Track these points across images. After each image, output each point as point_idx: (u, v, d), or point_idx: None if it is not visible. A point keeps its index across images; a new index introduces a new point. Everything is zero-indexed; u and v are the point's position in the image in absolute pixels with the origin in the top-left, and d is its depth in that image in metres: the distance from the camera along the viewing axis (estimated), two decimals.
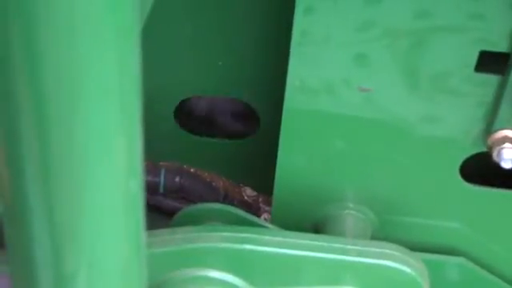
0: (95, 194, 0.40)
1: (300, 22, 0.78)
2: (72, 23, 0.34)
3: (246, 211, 0.90)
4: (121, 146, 0.40)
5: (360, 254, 0.78)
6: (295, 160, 0.88)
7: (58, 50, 0.34)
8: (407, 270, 0.78)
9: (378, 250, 0.79)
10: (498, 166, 0.81)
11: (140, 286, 0.47)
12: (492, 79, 0.79)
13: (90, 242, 0.42)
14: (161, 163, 1.05)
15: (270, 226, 0.88)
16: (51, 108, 0.36)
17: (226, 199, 1.07)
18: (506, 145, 0.80)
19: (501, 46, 0.77)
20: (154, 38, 0.95)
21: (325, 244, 0.79)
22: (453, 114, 0.83)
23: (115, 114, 0.38)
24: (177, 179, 1.04)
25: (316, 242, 0.79)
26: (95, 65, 0.36)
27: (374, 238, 0.92)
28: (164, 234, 0.78)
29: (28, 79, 0.35)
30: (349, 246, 0.79)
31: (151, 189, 1.05)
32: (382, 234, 0.92)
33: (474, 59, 0.78)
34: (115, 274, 0.45)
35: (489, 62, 0.78)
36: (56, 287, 0.43)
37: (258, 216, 1.06)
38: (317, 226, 0.93)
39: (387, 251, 0.79)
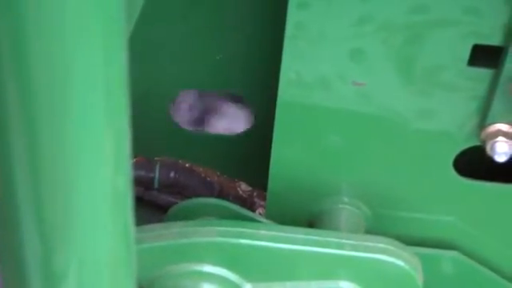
0: (83, 192, 0.40)
1: (293, 16, 0.78)
2: (59, 19, 0.34)
3: (241, 206, 0.90)
4: (108, 143, 0.40)
5: (354, 248, 0.78)
6: (289, 154, 0.88)
7: (46, 47, 0.35)
8: (401, 263, 0.78)
9: (372, 244, 0.79)
10: (491, 160, 0.81)
11: (129, 282, 0.47)
12: (485, 73, 0.79)
13: (79, 239, 0.42)
14: (155, 158, 1.05)
15: (264, 220, 0.88)
16: (39, 105, 0.36)
17: (221, 194, 1.07)
18: (500, 138, 0.80)
19: (494, 40, 0.77)
20: (149, 34, 0.94)
21: (319, 238, 0.79)
22: (447, 108, 0.83)
23: (102, 111, 0.38)
24: (172, 174, 1.05)
25: (310, 237, 0.79)
26: (82, 60, 0.36)
27: (368, 232, 0.92)
28: (159, 229, 0.78)
29: (15, 75, 0.35)
30: (343, 240, 0.79)
31: (146, 184, 1.05)
32: (376, 228, 0.92)
33: (467, 53, 0.79)
34: (105, 271, 0.45)
35: (482, 55, 0.79)
36: (46, 284, 0.43)
37: (253, 211, 1.06)
38: (311, 221, 0.93)
39: (381, 245, 0.79)
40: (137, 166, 1.04)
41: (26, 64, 0.35)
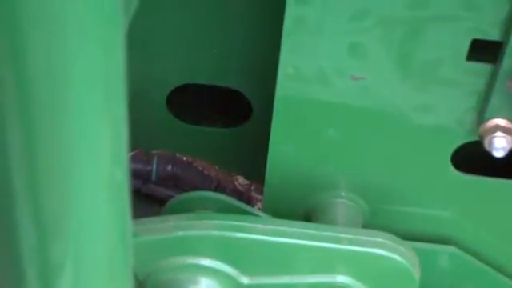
0: (80, 183, 0.40)
1: (292, 10, 0.78)
2: (57, 11, 0.34)
3: (238, 199, 0.90)
4: (106, 134, 0.40)
5: (351, 242, 0.78)
6: (287, 148, 0.88)
7: (44, 38, 0.34)
8: (398, 258, 0.78)
9: (369, 238, 0.79)
10: (489, 155, 0.81)
11: (126, 274, 0.47)
12: (484, 68, 0.79)
13: (76, 231, 0.42)
14: (153, 151, 1.05)
15: (261, 214, 0.88)
16: (37, 97, 0.36)
17: (219, 188, 1.07)
18: (498, 133, 0.80)
19: (493, 35, 0.77)
20: (146, 27, 0.94)
21: (316, 232, 0.79)
22: (445, 103, 0.83)
23: (100, 102, 0.38)
24: (169, 167, 1.05)
25: (308, 231, 0.79)
26: (80, 52, 0.36)
27: (365, 226, 0.92)
28: (156, 222, 0.78)
29: (12, 66, 0.35)
30: (340, 235, 0.79)
31: (144, 177, 1.05)
32: (373, 222, 0.92)
33: (466, 48, 0.78)
34: (101, 263, 0.45)
35: (480, 50, 0.79)
36: (42, 276, 0.43)
37: (251, 205, 1.06)
38: (308, 215, 0.93)
39: (378, 240, 0.79)
40: (135, 159, 1.04)
41: (25, 57, 0.35)
